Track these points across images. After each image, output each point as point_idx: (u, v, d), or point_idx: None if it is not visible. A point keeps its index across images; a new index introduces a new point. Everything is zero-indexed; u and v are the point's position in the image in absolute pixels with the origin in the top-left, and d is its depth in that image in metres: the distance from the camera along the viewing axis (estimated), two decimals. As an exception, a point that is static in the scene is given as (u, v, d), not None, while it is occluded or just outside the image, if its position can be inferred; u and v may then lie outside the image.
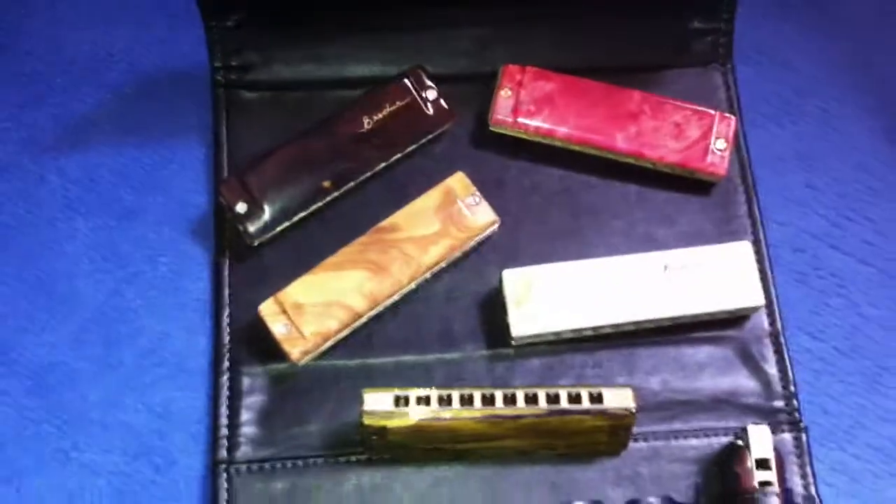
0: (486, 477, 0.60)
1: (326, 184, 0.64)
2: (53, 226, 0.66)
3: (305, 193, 0.64)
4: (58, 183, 0.67)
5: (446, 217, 0.64)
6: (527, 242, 0.65)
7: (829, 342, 0.65)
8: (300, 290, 0.62)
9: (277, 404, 0.62)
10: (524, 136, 0.67)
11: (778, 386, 0.63)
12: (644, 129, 0.66)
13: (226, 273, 0.65)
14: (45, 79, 0.70)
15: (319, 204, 0.65)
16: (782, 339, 0.64)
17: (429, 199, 0.64)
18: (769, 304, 0.64)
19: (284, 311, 0.61)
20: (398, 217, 0.63)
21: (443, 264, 0.64)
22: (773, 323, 0.64)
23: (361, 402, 0.57)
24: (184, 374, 0.63)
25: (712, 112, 0.66)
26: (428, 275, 0.63)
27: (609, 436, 0.59)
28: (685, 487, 0.60)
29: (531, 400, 0.58)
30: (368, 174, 0.65)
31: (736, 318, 0.64)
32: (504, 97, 0.67)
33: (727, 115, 0.67)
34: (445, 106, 0.66)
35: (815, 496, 0.60)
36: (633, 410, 0.58)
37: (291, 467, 0.60)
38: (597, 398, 0.58)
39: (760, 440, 0.57)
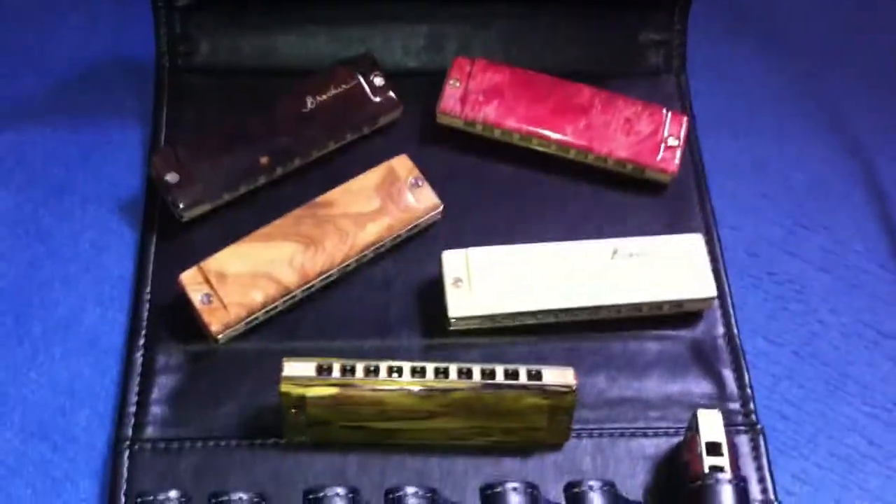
0: (414, 467, 0.52)
1: (264, 160, 0.59)
2: (-28, 198, 0.60)
3: (241, 168, 0.58)
4: (-16, 159, 0.62)
5: (386, 196, 0.58)
6: (471, 234, 0.59)
7: (788, 347, 0.58)
8: (226, 259, 0.55)
9: (192, 384, 0.54)
10: (472, 130, 0.62)
11: (733, 387, 0.56)
12: (594, 123, 0.61)
13: (151, 249, 0.58)
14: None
15: (256, 183, 0.59)
16: (737, 341, 0.57)
17: (369, 178, 0.58)
18: (723, 305, 0.58)
19: (207, 281, 0.55)
20: (335, 193, 0.57)
21: (383, 247, 0.58)
22: (727, 324, 0.58)
23: (281, 369, 0.50)
24: (96, 350, 0.56)
25: (663, 110, 0.62)
26: (367, 255, 0.57)
27: (549, 420, 0.51)
28: (632, 486, 0.52)
29: (465, 374, 0.51)
30: (310, 157, 0.60)
31: (687, 317, 0.57)
32: (452, 87, 0.62)
33: (679, 113, 0.63)
34: (393, 94, 0.62)
35: (775, 502, 0.52)
36: (574, 388, 0.50)
37: (202, 447, 0.52)
38: (535, 375, 0.51)
39: (711, 424, 0.50)
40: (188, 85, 0.64)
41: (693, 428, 0.51)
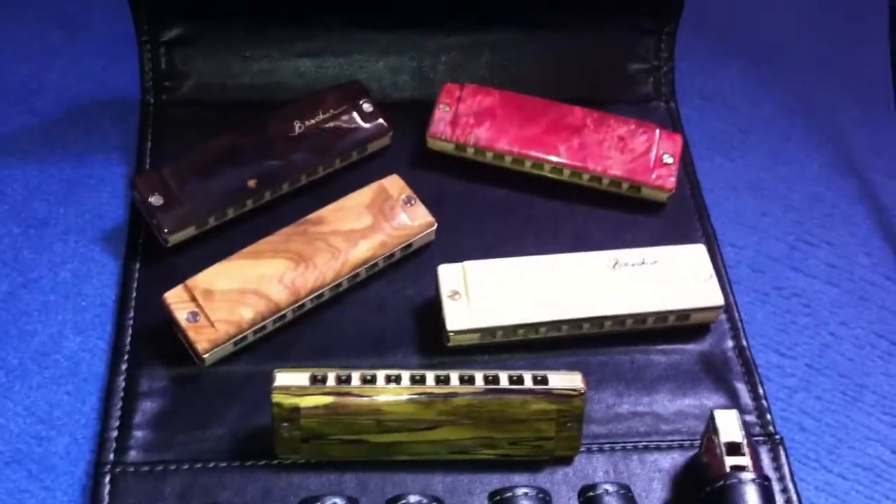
0: (416, 484, 0.49)
1: (251, 183, 0.57)
2: (-51, 232, 0.58)
3: (228, 190, 0.56)
4: (-37, 194, 0.60)
5: (379, 213, 0.56)
6: (466, 256, 0.56)
7: (801, 359, 0.56)
8: (213, 276, 0.53)
9: (178, 407, 0.51)
10: (463, 154, 0.61)
11: (747, 399, 0.53)
12: (587, 142, 0.60)
13: (135, 275, 0.55)
14: (-30, 106, 0.64)
15: (244, 207, 0.57)
16: (748, 353, 0.55)
17: (360, 196, 0.56)
18: (731, 317, 0.56)
19: (193, 299, 0.52)
20: (326, 210, 0.55)
21: (376, 266, 0.55)
22: (736, 336, 0.55)
23: (272, 380, 0.47)
24: (76, 378, 0.53)
25: (656, 128, 0.61)
26: (360, 275, 0.55)
27: (557, 428, 0.48)
28: (649, 502, 0.49)
29: (467, 381, 0.48)
30: (299, 182, 0.58)
31: (694, 331, 0.55)
32: (442, 111, 0.61)
33: (672, 132, 0.62)
34: (382, 121, 0.61)
35: (801, 512, 0.49)
36: (583, 391, 0.48)
37: (188, 469, 0.49)
38: (541, 380, 0.48)
39: (728, 424, 0.47)
40: (173, 119, 0.62)
41: (710, 430, 0.48)
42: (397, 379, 0.48)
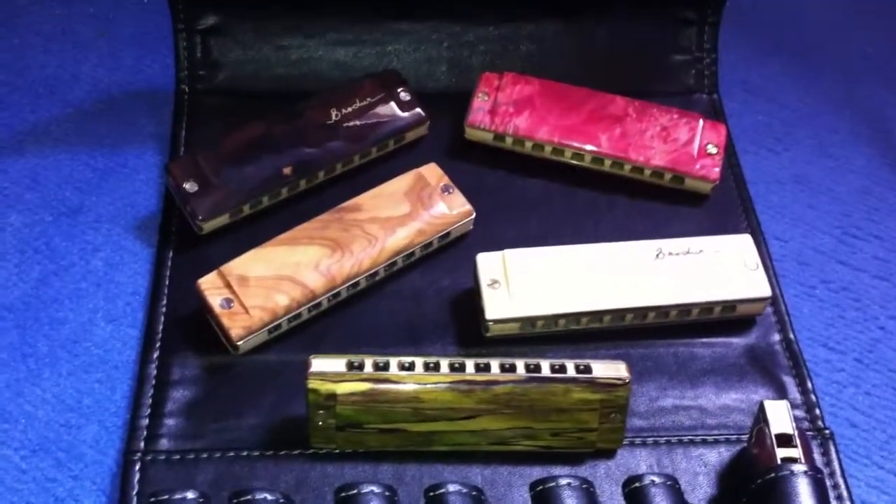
0: (453, 475, 0.47)
1: (287, 170, 0.56)
2: (-20, 220, 0.57)
3: (263, 178, 0.55)
4: (-4, 183, 0.59)
5: (417, 201, 0.55)
6: (504, 246, 0.55)
7: (850, 354, 0.54)
8: (247, 263, 0.52)
9: (210, 396, 0.50)
10: (502, 144, 0.60)
11: (795, 393, 0.52)
12: (629, 132, 0.59)
13: (168, 263, 0.55)
14: (2, 95, 0.64)
15: (279, 195, 0.56)
16: (796, 346, 0.53)
17: (398, 184, 0.55)
18: (777, 310, 0.54)
19: (228, 286, 0.51)
20: (363, 198, 0.54)
21: (413, 255, 0.54)
22: (783, 329, 0.54)
23: (308, 365, 0.46)
24: (106, 365, 0.52)
25: (700, 118, 0.60)
26: (396, 264, 0.54)
27: (600, 418, 0.47)
28: (695, 497, 0.47)
29: (508, 369, 0.47)
30: (335, 171, 0.57)
31: (739, 324, 0.54)
32: (480, 100, 0.60)
33: (716, 122, 0.60)
34: (419, 110, 0.60)
35: (854, 510, 0.47)
36: (628, 381, 0.46)
37: (220, 457, 0.47)
38: (585, 369, 0.47)
39: (779, 415, 0.46)
40: (207, 107, 0.62)
41: (760, 420, 0.46)
42: (436, 366, 0.46)
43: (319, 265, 0.52)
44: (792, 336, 0.53)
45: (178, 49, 0.62)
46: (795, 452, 0.44)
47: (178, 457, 0.48)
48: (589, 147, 0.58)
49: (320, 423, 0.47)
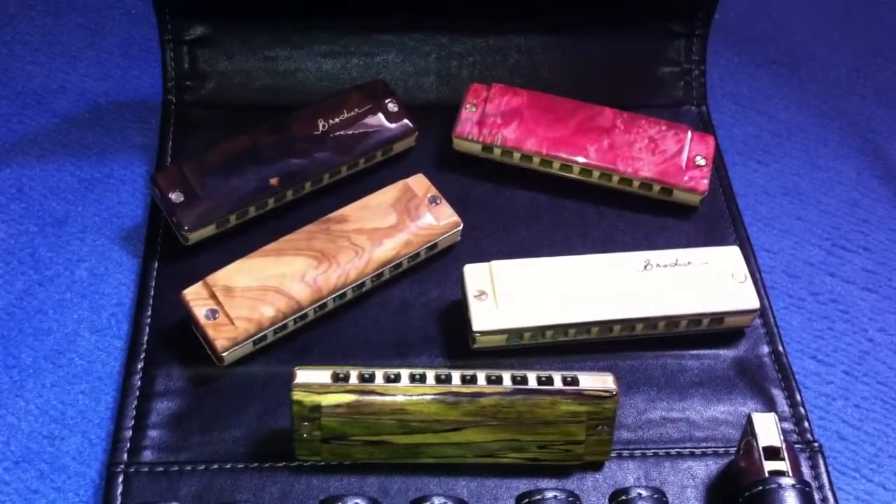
0: (440, 488, 0.47)
1: (273, 181, 0.56)
2: (-35, 231, 0.57)
3: (249, 188, 0.55)
4: (-19, 193, 0.59)
5: (403, 212, 0.55)
6: (492, 258, 0.55)
7: (839, 366, 0.54)
8: (233, 273, 0.51)
9: (194, 408, 0.49)
10: (490, 156, 0.60)
11: (784, 406, 0.51)
12: (618, 143, 0.59)
13: (153, 274, 0.54)
14: (-12, 104, 0.64)
15: (265, 206, 0.56)
16: (785, 359, 0.53)
17: (385, 195, 0.55)
18: (766, 322, 0.54)
19: (213, 296, 0.51)
20: (350, 209, 0.54)
21: (400, 267, 0.54)
22: (771, 342, 0.54)
23: (293, 376, 0.46)
24: (90, 377, 0.51)
25: (688, 129, 0.60)
26: (384, 276, 0.54)
27: (588, 431, 0.47)
28: (682, 509, 0.48)
29: (494, 381, 0.46)
30: (322, 182, 0.57)
31: (727, 336, 0.54)
32: (468, 111, 0.60)
33: (704, 133, 0.60)
34: (407, 121, 0.60)
35: (842, 525, 0.47)
36: (615, 393, 0.46)
37: (204, 470, 0.47)
38: (572, 381, 0.47)
39: (767, 428, 0.45)
40: (194, 118, 0.62)
41: (748, 433, 0.46)
42: (422, 378, 0.46)
43: (306, 276, 0.52)
44: (781, 348, 0.53)
45: (165, 60, 0.62)
46: (783, 465, 0.44)
47: (161, 469, 0.47)
48: (577, 158, 0.58)
49: (305, 435, 0.46)
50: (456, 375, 0.46)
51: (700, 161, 0.58)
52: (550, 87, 0.62)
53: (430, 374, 0.46)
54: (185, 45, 0.62)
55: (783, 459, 0.44)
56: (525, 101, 0.60)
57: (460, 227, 0.56)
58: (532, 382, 0.46)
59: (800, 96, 0.67)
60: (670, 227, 0.58)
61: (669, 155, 0.58)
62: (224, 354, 0.50)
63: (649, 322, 0.52)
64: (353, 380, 0.46)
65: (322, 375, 0.46)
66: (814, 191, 0.62)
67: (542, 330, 0.51)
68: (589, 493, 0.47)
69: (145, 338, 0.52)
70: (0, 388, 0.51)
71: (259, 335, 0.51)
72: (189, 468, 0.47)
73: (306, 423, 0.46)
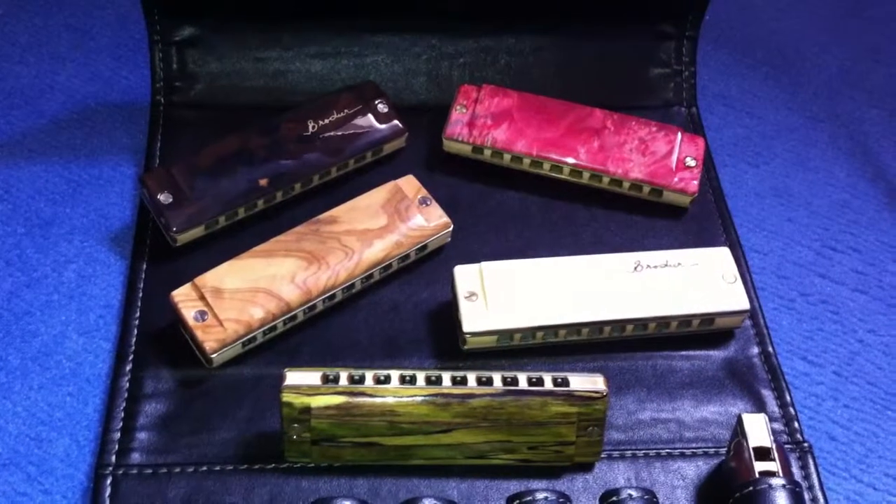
0: (430, 490, 0.47)
1: (263, 182, 0.56)
2: (-48, 233, 0.57)
3: (239, 189, 0.55)
4: (-32, 195, 0.59)
5: (394, 213, 0.55)
6: (482, 260, 0.55)
7: (828, 367, 0.54)
8: (222, 275, 0.51)
9: (183, 410, 0.49)
10: (480, 157, 0.60)
11: (774, 406, 0.52)
12: (608, 144, 0.59)
13: (141, 276, 0.54)
14: (-25, 106, 0.64)
15: (254, 207, 0.56)
16: (775, 359, 0.53)
17: (375, 196, 0.55)
18: (756, 323, 0.54)
19: (202, 298, 0.51)
20: (339, 210, 0.54)
21: (390, 268, 0.54)
22: (761, 342, 0.54)
23: (283, 378, 0.46)
24: (78, 378, 0.51)
25: (678, 131, 0.60)
26: (373, 277, 0.54)
27: (578, 432, 0.47)
28: (672, 510, 0.48)
29: (485, 382, 0.47)
30: (311, 183, 0.57)
31: (718, 337, 0.54)
32: (458, 113, 0.60)
33: (694, 135, 0.60)
34: (398, 122, 0.60)
35: (832, 525, 0.47)
36: (605, 394, 0.46)
37: (193, 472, 0.47)
38: (562, 382, 0.47)
39: (757, 428, 0.46)
40: (183, 120, 0.61)
41: (738, 434, 0.46)
42: (412, 379, 0.46)
43: (295, 278, 0.52)
44: (770, 349, 0.54)
45: (154, 61, 0.62)
46: (773, 466, 0.44)
47: (150, 471, 0.47)
48: (567, 160, 0.59)
49: (295, 436, 0.46)
50: (446, 377, 0.46)
51: (690, 162, 0.59)
52: (541, 89, 0.63)
53: (421, 376, 0.46)
54: (174, 46, 0.62)
55: (773, 460, 0.44)
56: (515, 102, 0.60)
57: (450, 229, 0.56)
58: (522, 383, 0.46)
59: (790, 98, 0.67)
60: (660, 229, 0.59)
61: (660, 156, 0.59)
62: (213, 356, 0.50)
63: (640, 323, 0.52)
64: (343, 381, 0.46)
65: (312, 377, 0.46)
66: (804, 192, 0.62)
67: (532, 331, 0.51)
68: (579, 494, 0.47)
69: (133, 339, 0.52)
70: (-13, 390, 0.51)
71: (248, 337, 0.51)
72: (178, 470, 0.47)
73: (296, 425, 0.46)
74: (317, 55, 0.63)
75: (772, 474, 0.44)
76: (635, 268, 0.53)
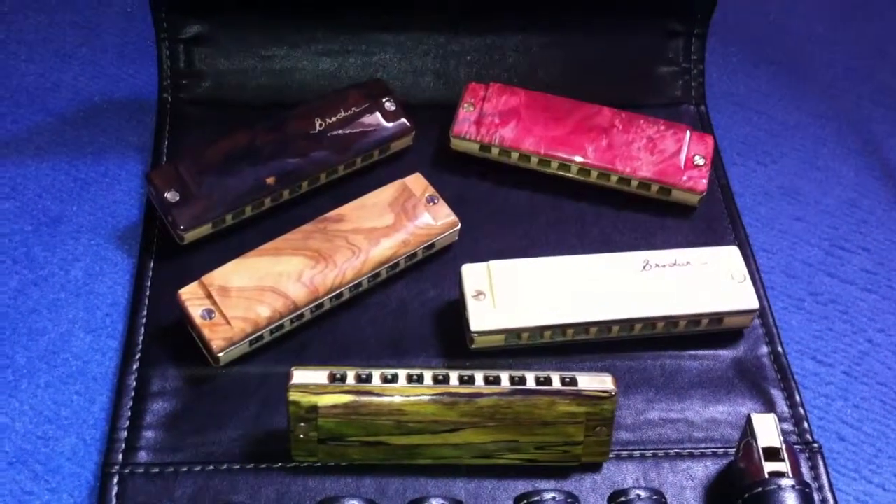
0: (437, 490, 0.47)
1: (270, 180, 0.56)
2: (-42, 230, 0.57)
3: (246, 187, 0.55)
4: (-26, 192, 0.59)
5: (401, 211, 0.54)
6: (489, 258, 0.55)
7: (838, 367, 0.54)
8: (229, 273, 0.51)
9: (190, 408, 0.49)
10: (488, 155, 0.59)
11: (783, 406, 0.51)
12: (616, 143, 0.59)
13: (148, 273, 0.54)
14: (-18, 103, 0.64)
15: (261, 205, 0.56)
16: (784, 359, 0.53)
17: (382, 194, 0.55)
18: (765, 322, 0.54)
19: (209, 296, 0.51)
20: (346, 208, 0.54)
21: (397, 267, 0.54)
22: (771, 342, 0.54)
23: (290, 377, 0.46)
24: (85, 377, 0.51)
25: (686, 129, 0.60)
26: (381, 276, 0.54)
27: (586, 431, 0.47)
28: (681, 511, 0.47)
29: (492, 381, 0.46)
30: (319, 181, 0.57)
31: (727, 336, 0.53)
32: (466, 111, 0.60)
33: (703, 133, 0.60)
34: (405, 120, 0.59)
35: (841, 526, 0.47)
36: (614, 393, 0.46)
37: (200, 471, 0.47)
38: (570, 381, 0.46)
39: (766, 428, 0.45)
40: (190, 117, 0.61)
41: (748, 434, 0.46)
42: (419, 378, 0.46)
43: (302, 276, 0.52)
44: (780, 349, 0.53)
45: (161, 58, 0.62)
46: (783, 466, 0.44)
47: (157, 470, 0.47)
48: (575, 158, 0.58)
49: (302, 435, 0.46)
50: (454, 376, 0.46)
51: (699, 161, 0.58)
52: (548, 87, 0.62)
53: (428, 375, 0.46)
54: (182, 44, 0.62)
55: (783, 460, 0.44)
56: (523, 100, 0.60)
57: (458, 227, 0.55)
58: (530, 383, 0.46)
59: (799, 96, 0.67)
60: (669, 227, 0.58)
61: (668, 154, 0.58)
62: (220, 355, 0.50)
63: (648, 322, 0.52)
64: (350, 380, 0.46)
65: (319, 376, 0.46)
66: (812, 191, 0.62)
67: (540, 330, 0.51)
68: (587, 494, 0.47)
69: (140, 338, 0.52)
70: (-6, 388, 0.51)
71: (255, 335, 0.50)
72: (185, 469, 0.47)
73: (303, 424, 0.46)
74: (324, 53, 0.63)
75: (781, 475, 0.44)
76: (644, 267, 0.53)
